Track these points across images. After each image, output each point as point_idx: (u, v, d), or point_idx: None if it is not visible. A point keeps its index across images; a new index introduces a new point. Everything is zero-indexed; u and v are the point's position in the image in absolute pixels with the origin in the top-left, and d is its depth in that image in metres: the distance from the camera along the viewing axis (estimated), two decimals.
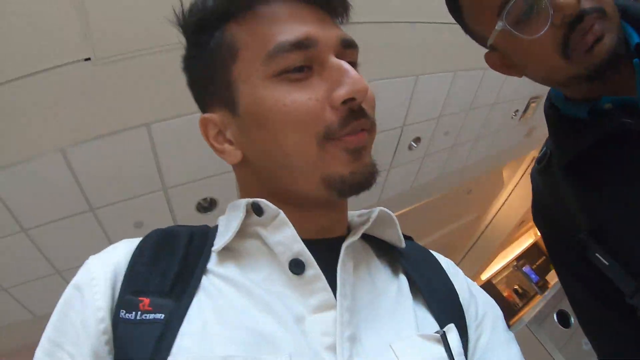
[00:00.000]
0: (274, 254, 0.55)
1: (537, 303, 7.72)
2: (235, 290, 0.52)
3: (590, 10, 0.64)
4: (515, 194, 7.29)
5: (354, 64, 0.61)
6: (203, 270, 0.54)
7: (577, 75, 0.69)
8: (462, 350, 0.54)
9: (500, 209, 8.03)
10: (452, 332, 0.55)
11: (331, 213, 0.62)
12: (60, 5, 1.92)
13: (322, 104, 0.53)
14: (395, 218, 0.62)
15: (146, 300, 0.50)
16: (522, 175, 5.19)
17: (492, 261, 10.92)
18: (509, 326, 0.66)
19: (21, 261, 3.12)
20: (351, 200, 0.64)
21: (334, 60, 0.55)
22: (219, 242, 0.56)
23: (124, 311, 0.50)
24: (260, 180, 0.60)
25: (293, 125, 0.53)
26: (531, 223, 7.57)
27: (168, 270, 0.53)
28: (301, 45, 0.53)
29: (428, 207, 5.36)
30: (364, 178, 0.56)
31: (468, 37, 0.86)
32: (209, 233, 0.60)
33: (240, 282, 0.52)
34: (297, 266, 0.52)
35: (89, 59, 2.13)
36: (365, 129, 0.57)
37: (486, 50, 0.83)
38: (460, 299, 0.63)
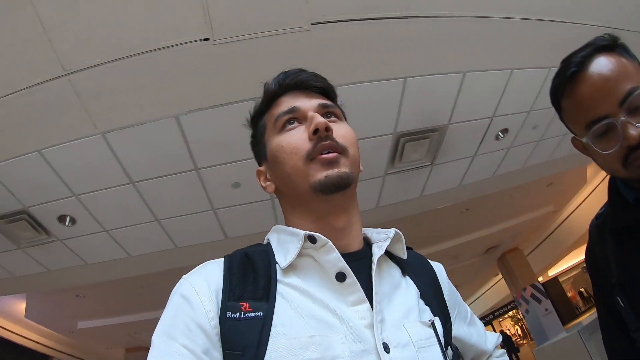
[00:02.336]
0: (323, 268, 0.76)
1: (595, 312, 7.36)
2: (300, 294, 0.73)
3: None
4: (596, 193, 6.97)
5: (334, 114, 0.88)
6: (276, 281, 0.75)
7: (631, 178, 0.94)
8: (442, 333, 0.79)
9: (579, 206, 7.68)
10: (437, 322, 0.79)
11: (346, 222, 0.83)
12: None
13: (304, 141, 0.80)
14: (402, 237, 0.86)
15: (246, 304, 0.70)
16: (606, 176, 4.98)
17: (562, 258, 10.49)
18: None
19: (126, 209, 3.49)
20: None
21: (310, 113, 0.83)
22: (284, 261, 0.78)
23: (230, 312, 0.69)
24: (287, 201, 0.87)
25: (288, 155, 0.80)
26: None
27: (257, 282, 0.74)
28: (290, 111, 0.85)
29: (506, 193, 5.32)
30: (336, 180, 0.77)
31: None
32: (269, 251, 0.82)
33: (303, 289, 0.74)
34: (340, 277, 0.74)
35: (207, 39, 2.31)
36: (336, 151, 0.79)
37: None
38: (445, 296, 0.91)
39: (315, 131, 0.79)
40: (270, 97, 0.89)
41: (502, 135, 3.85)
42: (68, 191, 3.20)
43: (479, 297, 14.39)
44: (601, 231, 1.10)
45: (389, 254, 0.87)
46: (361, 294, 0.74)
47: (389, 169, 3.80)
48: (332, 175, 0.77)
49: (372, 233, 0.88)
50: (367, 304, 0.73)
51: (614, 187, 1.06)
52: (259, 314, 0.69)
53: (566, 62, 0.97)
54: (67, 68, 2.33)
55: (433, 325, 0.78)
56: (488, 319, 15.21)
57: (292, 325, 0.69)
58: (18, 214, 3.36)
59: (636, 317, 0.99)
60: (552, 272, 11.79)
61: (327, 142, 0.79)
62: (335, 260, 0.75)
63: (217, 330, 0.68)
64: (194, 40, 2.31)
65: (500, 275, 10.39)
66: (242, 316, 0.69)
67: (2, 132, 2.68)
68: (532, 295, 8.69)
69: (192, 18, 2.22)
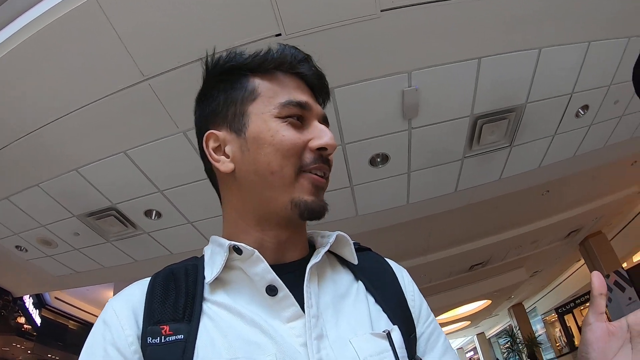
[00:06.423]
0: (252, 281, 0.69)
1: None
2: (228, 313, 0.67)
3: None
4: None
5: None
6: (202, 299, 0.69)
7: None
8: (403, 344, 0.70)
9: None
10: (395, 332, 0.70)
11: (292, 235, 0.76)
12: None
13: (304, 145, 0.72)
14: (349, 240, 0.78)
15: (166, 327, 0.65)
16: None
17: None
18: None
19: (208, 201, 3.61)
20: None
21: (319, 124, 0.75)
22: (210, 275, 0.71)
23: (150, 338, 0.64)
24: (243, 196, 0.75)
25: (282, 152, 0.70)
26: None
27: (177, 302, 0.68)
28: (303, 105, 0.73)
29: (587, 174, 5.06)
30: (318, 208, 0.71)
31: None
32: (198, 265, 0.75)
33: (231, 307, 0.68)
34: (271, 290, 0.68)
35: (279, 34, 2.37)
36: (326, 176, 0.74)
37: None
38: (408, 302, 0.79)
39: (321, 148, 0.72)
40: (278, 64, 0.75)
41: (582, 112, 3.67)
42: (153, 187, 3.40)
43: (560, 284, 13.77)
44: None
45: (341, 258, 0.81)
46: (296, 308, 0.67)
47: (466, 152, 3.73)
48: (317, 202, 0.72)
49: (318, 237, 0.81)
50: (304, 319, 0.66)
51: None
52: (179, 337, 0.64)
53: None
54: (145, 73, 2.50)
55: (389, 336, 0.69)
56: (569, 307, 14.51)
57: (214, 347, 0.63)
58: (106, 210, 3.61)
59: None
60: (637, 258, 10.97)
61: (325, 165, 0.74)
62: (263, 272, 0.68)
63: (139, 355, 0.64)
64: (266, 37, 2.37)
65: (582, 261, 9.86)
66: (162, 341, 0.64)
67: (89, 136, 2.89)
68: (616, 283, 8.15)
69: (262, 15, 2.27)
